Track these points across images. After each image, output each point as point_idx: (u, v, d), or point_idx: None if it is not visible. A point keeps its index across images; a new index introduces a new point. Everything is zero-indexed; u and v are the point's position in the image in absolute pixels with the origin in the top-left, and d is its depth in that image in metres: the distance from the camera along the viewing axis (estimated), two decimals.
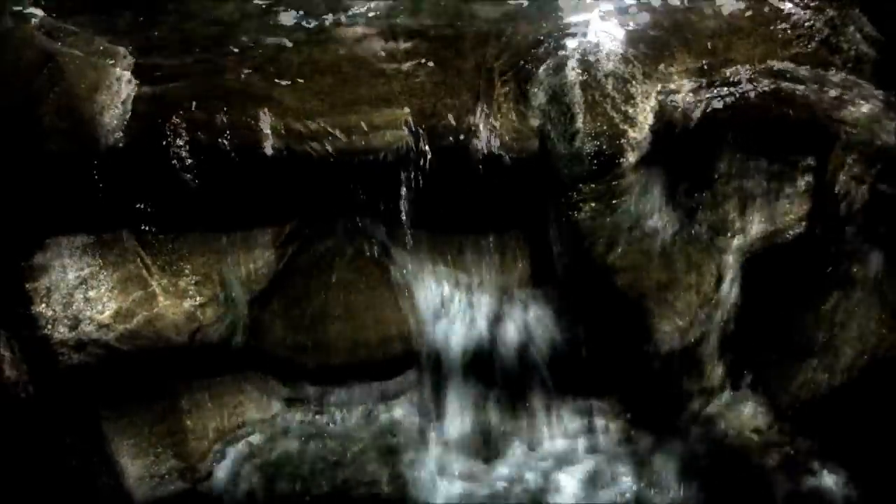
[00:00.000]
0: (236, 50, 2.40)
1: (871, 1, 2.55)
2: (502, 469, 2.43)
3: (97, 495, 2.13)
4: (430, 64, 2.39)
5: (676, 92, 2.38)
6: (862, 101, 2.36)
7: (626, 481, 2.41)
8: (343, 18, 2.59)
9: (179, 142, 2.09)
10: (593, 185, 2.28)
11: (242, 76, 2.28)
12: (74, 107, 2.05)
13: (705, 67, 2.46)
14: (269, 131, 2.14)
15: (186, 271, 2.22)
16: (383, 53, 2.44)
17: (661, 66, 2.38)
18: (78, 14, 2.40)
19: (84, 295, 2.04)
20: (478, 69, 2.38)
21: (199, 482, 2.30)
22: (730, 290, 2.41)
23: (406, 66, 2.39)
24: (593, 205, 2.31)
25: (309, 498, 2.33)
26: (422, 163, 2.25)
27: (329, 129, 2.22)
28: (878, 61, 2.50)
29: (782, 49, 2.52)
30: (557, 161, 2.25)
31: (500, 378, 2.45)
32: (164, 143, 2.08)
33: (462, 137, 2.24)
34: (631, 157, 2.23)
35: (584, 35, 2.51)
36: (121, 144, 2.09)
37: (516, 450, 2.47)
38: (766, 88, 2.36)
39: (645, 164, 2.28)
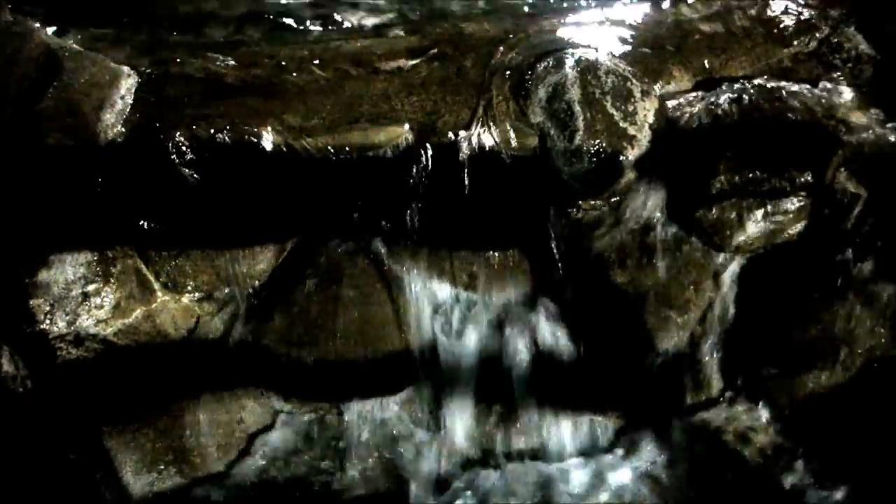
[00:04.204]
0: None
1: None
2: (502, 472, 2.43)
3: (95, 490, 2.12)
4: (432, 61, 2.40)
5: (677, 89, 2.39)
6: (863, 102, 2.36)
7: (626, 483, 2.41)
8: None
9: (179, 136, 2.09)
10: (593, 183, 2.28)
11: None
12: (74, 101, 2.04)
13: (706, 65, 2.46)
14: (268, 127, 2.14)
15: (186, 267, 2.21)
16: (383, 50, 2.45)
17: (662, 64, 2.39)
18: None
19: (82, 289, 2.04)
20: (478, 66, 2.39)
21: (197, 479, 2.30)
22: (729, 291, 2.41)
23: (406, 63, 2.40)
24: (593, 202, 2.31)
25: (308, 499, 2.33)
26: (421, 160, 2.25)
27: (328, 126, 2.22)
28: (879, 60, 2.50)
29: (783, 47, 2.53)
30: (557, 158, 2.25)
31: (501, 383, 2.45)
32: (163, 136, 2.07)
33: (462, 134, 2.24)
34: (630, 155, 2.23)
35: (585, 32, 2.51)
36: (120, 139, 2.08)
37: (516, 453, 2.47)
38: (765, 88, 2.36)
39: (645, 161, 2.28)
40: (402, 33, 2.57)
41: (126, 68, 2.20)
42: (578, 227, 2.35)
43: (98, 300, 2.06)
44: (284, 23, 2.66)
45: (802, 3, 2.65)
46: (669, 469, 2.42)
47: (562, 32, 2.55)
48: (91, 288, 2.05)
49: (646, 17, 2.60)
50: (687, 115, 2.33)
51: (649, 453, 2.46)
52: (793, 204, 2.32)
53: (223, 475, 2.33)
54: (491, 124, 2.26)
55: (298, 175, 2.18)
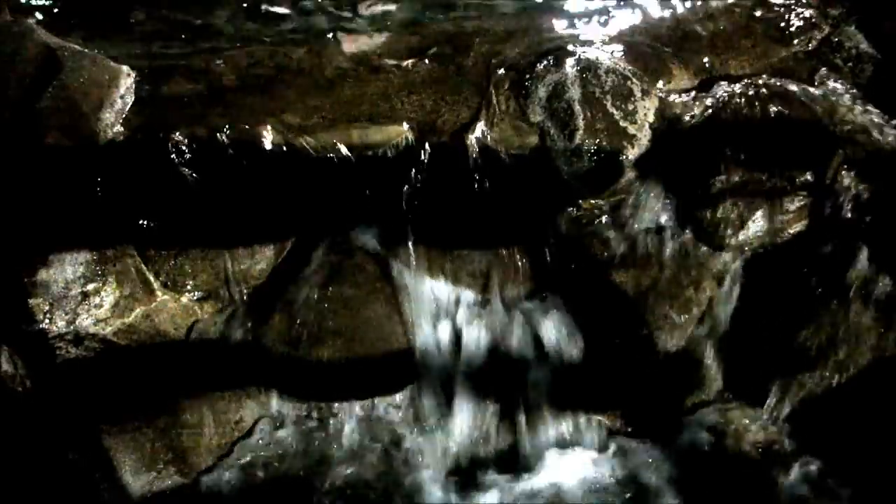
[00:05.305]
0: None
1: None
2: (502, 475, 2.42)
3: (94, 488, 2.12)
4: (431, 60, 2.40)
5: (677, 89, 2.38)
6: (863, 101, 2.36)
7: (626, 482, 2.41)
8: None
9: (178, 136, 2.09)
10: (593, 182, 2.28)
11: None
12: (73, 100, 2.04)
13: (707, 65, 2.46)
14: (268, 125, 2.14)
15: (185, 266, 2.22)
16: (383, 49, 2.45)
17: (662, 63, 2.39)
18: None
19: (82, 289, 2.04)
20: (478, 65, 2.39)
21: (196, 478, 2.30)
22: (730, 291, 2.41)
23: (406, 61, 2.40)
24: (593, 201, 2.31)
25: (307, 499, 2.32)
26: (421, 159, 2.25)
27: (328, 125, 2.22)
28: (879, 60, 2.50)
29: (783, 47, 2.52)
30: (557, 158, 2.25)
31: (501, 382, 2.44)
32: (163, 136, 2.08)
33: (462, 134, 2.24)
34: (631, 154, 2.23)
35: (585, 31, 2.51)
36: (119, 138, 2.09)
37: (516, 455, 2.46)
38: (766, 87, 2.36)
39: (645, 161, 2.28)
40: (401, 33, 2.57)
41: (126, 68, 2.20)
42: (579, 227, 2.35)
43: (97, 299, 2.06)
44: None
45: (803, 2, 2.65)
46: (669, 468, 2.41)
47: (561, 31, 2.55)
48: (90, 287, 2.05)
49: (646, 14, 2.60)
50: (687, 114, 2.32)
51: (649, 453, 2.46)
52: (793, 204, 2.32)
53: (222, 474, 2.33)
54: (491, 123, 2.26)
55: (298, 174, 2.18)
